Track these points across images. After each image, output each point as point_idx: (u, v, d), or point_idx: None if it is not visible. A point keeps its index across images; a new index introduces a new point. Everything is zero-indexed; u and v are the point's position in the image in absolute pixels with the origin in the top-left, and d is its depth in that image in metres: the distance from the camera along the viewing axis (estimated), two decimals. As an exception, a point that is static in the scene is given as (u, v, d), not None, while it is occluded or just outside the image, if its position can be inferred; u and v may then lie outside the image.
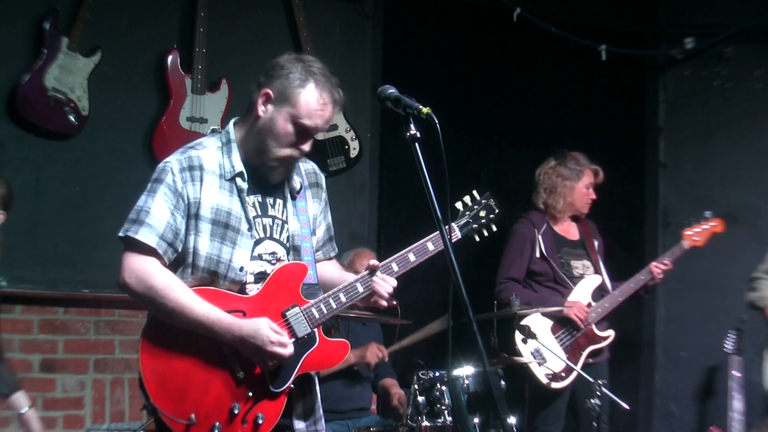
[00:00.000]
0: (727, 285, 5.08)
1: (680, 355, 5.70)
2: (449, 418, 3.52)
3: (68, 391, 4.26)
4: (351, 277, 2.70)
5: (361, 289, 2.65)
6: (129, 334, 4.42)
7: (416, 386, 3.58)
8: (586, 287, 4.45)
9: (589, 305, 4.39)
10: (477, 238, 2.90)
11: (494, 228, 2.91)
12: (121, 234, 2.50)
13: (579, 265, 4.52)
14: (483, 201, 2.90)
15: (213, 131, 4.51)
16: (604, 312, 4.42)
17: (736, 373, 4.52)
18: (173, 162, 2.54)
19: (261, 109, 2.55)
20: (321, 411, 2.72)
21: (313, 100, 2.52)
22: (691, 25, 5.80)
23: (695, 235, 4.57)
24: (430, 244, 2.72)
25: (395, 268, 2.69)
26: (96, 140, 4.37)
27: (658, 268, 4.49)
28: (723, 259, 5.30)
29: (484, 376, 3.59)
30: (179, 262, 2.54)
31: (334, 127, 4.90)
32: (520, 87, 5.58)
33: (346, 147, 4.94)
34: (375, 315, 4.31)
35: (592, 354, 4.41)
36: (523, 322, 4.27)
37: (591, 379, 4.05)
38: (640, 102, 6.05)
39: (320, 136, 4.85)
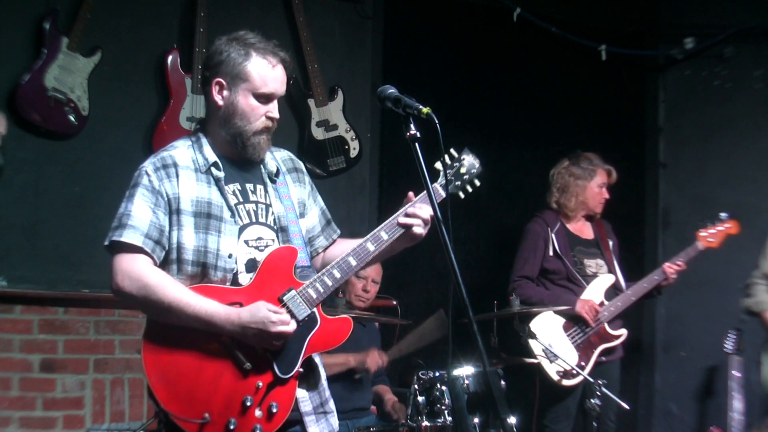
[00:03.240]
0: (727, 285, 5.07)
1: (680, 355, 5.70)
2: (449, 418, 3.52)
3: (68, 391, 4.26)
4: (356, 243, 2.65)
5: (372, 247, 2.62)
6: (129, 334, 4.41)
7: (416, 386, 3.58)
8: (599, 286, 4.47)
9: (601, 304, 4.42)
10: (462, 195, 2.85)
11: (477, 183, 2.85)
12: (105, 243, 2.51)
13: (592, 264, 4.54)
14: (462, 157, 2.85)
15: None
16: (617, 311, 4.45)
17: (736, 373, 4.52)
18: (147, 165, 2.56)
19: (218, 98, 2.58)
20: (328, 391, 2.70)
21: (262, 67, 2.57)
22: (691, 25, 5.80)
23: (710, 236, 4.55)
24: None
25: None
26: (96, 140, 4.37)
27: (671, 268, 4.49)
28: (723, 259, 5.29)
29: (484, 376, 3.59)
30: (164, 261, 2.53)
31: (334, 127, 4.90)
32: (520, 87, 5.58)
33: (346, 147, 4.94)
34: (375, 315, 4.32)
35: (605, 352, 4.43)
36: (536, 320, 4.32)
37: (591, 379, 4.06)
38: (640, 102, 6.05)
39: (320, 136, 4.85)
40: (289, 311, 2.52)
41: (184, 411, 2.42)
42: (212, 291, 2.50)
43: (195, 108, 4.47)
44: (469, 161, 2.85)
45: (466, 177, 2.84)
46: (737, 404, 4.47)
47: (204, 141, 2.62)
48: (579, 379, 4.27)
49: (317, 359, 2.70)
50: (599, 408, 3.95)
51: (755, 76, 5.61)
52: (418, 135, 2.35)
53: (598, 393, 3.93)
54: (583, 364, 4.33)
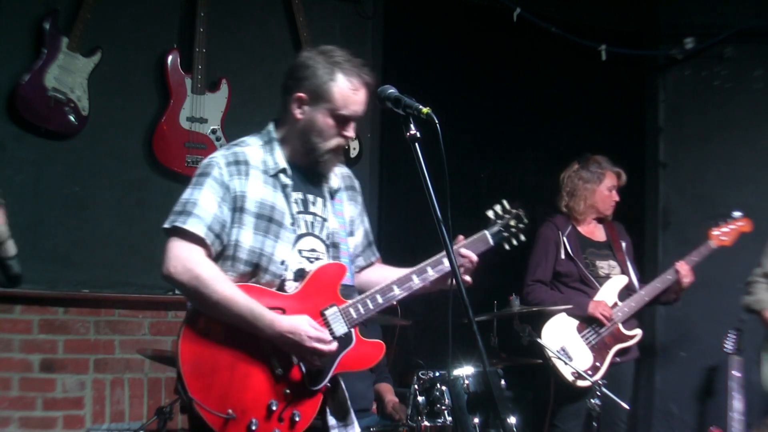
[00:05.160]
0: (727, 285, 5.06)
1: (680, 355, 5.70)
2: (449, 418, 3.52)
3: (68, 391, 4.26)
4: (402, 273, 2.71)
5: (417, 281, 2.69)
6: (129, 334, 4.41)
7: (416, 386, 3.58)
8: (613, 287, 4.47)
9: (615, 305, 4.42)
10: (507, 247, 2.91)
11: (523, 238, 2.93)
12: (167, 225, 2.51)
13: (605, 266, 4.55)
14: (513, 211, 2.93)
15: (213, 131, 4.52)
16: (631, 311, 4.43)
17: (736, 373, 4.52)
18: (219, 157, 2.57)
19: (298, 113, 2.60)
20: (351, 407, 2.74)
21: (345, 89, 2.58)
22: (691, 25, 5.80)
23: (722, 234, 4.52)
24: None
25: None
26: (96, 140, 4.37)
27: (684, 267, 4.47)
28: (723, 259, 5.28)
29: (484, 376, 3.59)
30: (219, 255, 2.56)
31: (334, 127, 4.89)
32: (520, 87, 5.58)
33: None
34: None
35: (619, 353, 4.43)
36: (550, 322, 4.33)
37: (591, 380, 4.06)
38: (640, 102, 6.05)
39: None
40: (328, 325, 2.57)
41: (210, 403, 2.45)
42: (258, 292, 2.53)
43: (195, 108, 4.47)
44: (519, 216, 2.92)
45: (513, 230, 2.91)
46: (737, 404, 4.47)
47: (276, 145, 2.64)
48: (594, 379, 4.28)
49: (341, 379, 2.72)
50: (599, 408, 3.95)
51: (755, 76, 5.61)
52: (418, 135, 2.36)
53: (598, 393, 3.93)
54: (597, 364, 4.33)
